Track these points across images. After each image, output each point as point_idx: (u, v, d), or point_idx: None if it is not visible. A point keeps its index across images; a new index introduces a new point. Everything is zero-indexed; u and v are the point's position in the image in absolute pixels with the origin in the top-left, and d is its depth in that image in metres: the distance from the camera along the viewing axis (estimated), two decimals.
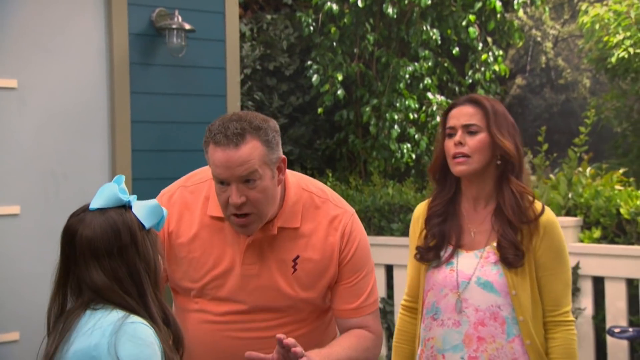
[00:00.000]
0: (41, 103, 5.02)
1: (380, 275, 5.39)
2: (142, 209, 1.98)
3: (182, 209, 2.42)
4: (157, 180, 5.35)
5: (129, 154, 5.24)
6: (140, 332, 1.88)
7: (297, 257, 2.37)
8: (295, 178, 2.44)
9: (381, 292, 5.44)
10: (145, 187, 5.10)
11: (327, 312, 2.50)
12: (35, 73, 5.00)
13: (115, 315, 1.91)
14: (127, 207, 1.99)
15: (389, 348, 5.41)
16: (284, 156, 2.32)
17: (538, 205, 2.55)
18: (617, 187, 5.29)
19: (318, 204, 2.42)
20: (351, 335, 2.41)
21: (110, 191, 1.98)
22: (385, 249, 5.39)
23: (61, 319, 1.95)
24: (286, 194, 2.38)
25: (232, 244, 2.37)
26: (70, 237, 1.95)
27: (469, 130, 2.51)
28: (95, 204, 1.97)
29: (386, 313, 5.40)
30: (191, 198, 2.42)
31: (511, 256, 2.48)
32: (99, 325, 1.90)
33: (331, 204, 2.43)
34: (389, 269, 5.48)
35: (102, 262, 1.92)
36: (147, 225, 1.98)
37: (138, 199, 2.03)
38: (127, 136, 5.25)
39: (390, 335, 5.43)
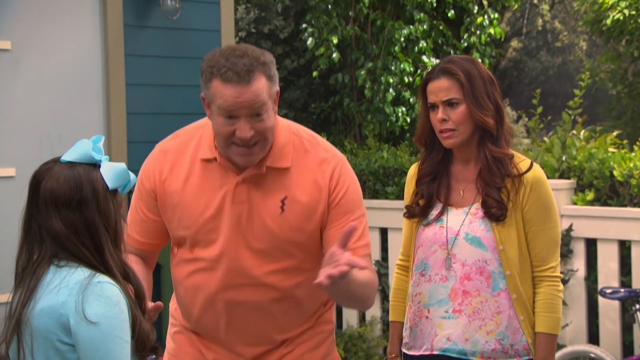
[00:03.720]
0: (35, 65, 5.01)
1: (374, 238, 5.42)
2: (109, 170, 2.03)
3: (174, 157, 2.46)
4: (152, 143, 5.32)
5: (124, 116, 5.24)
6: (107, 291, 1.93)
7: (285, 197, 2.39)
8: (286, 122, 2.47)
9: (375, 254, 5.48)
10: (140, 150, 5.10)
11: (320, 260, 2.51)
12: (28, 34, 4.98)
13: (81, 273, 1.95)
14: (97, 165, 2.03)
15: (384, 310, 5.47)
16: (278, 88, 2.38)
17: (526, 162, 2.60)
18: (611, 149, 5.31)
19: (307, 148, 2.44)
20: (364, 274, 2.34)
21: (83, 147, 2.03)
22: (379, 212, 5.41)
23: (27, 271, 2.00)
24: (276, 135, 2.40)
25: (222, 185, 2.40)
26: (36, 184, 2.01)
27: (449, 103, 2.55)
28: (67, 156, 2.03)
29: (381, 275, 5.44)
30: (183, 146, 2.47)
31: (494, 209, 2.54)
32: (65, 283, 1.94)
33: (321, 148, 2.46)
34: (384, 232, 5.51)
35: (61, 212, 1.98)
36: (110, 186, 2.02)
37: (133, 161, 2.07)
38: (121, 99, 5.25)
39: (385, 297, 5.48)
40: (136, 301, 2.02)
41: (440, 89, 2.56)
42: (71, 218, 1.97)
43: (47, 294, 1.94)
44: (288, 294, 2.42)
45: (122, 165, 2.06)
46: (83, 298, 1.91)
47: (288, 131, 2.44)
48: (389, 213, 5.35)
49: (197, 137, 2.46)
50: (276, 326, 2.43)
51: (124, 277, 2.02)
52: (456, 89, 2.55)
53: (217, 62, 2.26)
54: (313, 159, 2.43)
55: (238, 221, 2.38)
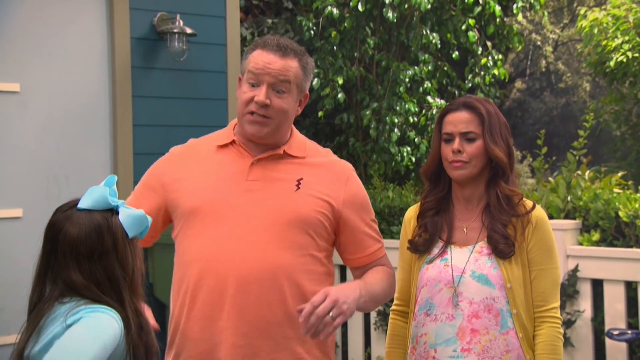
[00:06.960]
0: (43, 107, 5.05)
1: None
2: (128, 218, 2.00)
3: (185, 148, 2.60)
4: None
5: (131, 157, 5.27)
6: (100, 323, 1.89)
7: (302, 178, 2.51)
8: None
9: None
10: None
11: (321, 257, 2.54)
12: (37, 77, 5.03)
13: (82, 306, 1.93)
14: (114, 211, 2.00)
15: None
16: (307, 92, 2.57)
17: (529, 202, 2.62)
18: (616, 190, 5.31)
19: (322, 152, 2.64)
20: (380, 271, 2.62)
21: (100, 194, 1.99)
22: (386, 251, 5.40)
23: (35, 310, 1.98)
24: (293, 132, 2.60)
25: (238, 164, 2.51)
26: (55, 234, 1.98)
27: (466, 137, 2.57)
28: (83, 204, 1.99)
29: (386, 316, 5.42)
30: (196, 143, 2.63)
31: (502, 245, 2.54)
32: (63, 318, 1.92)
33: (333, 156, 2.65)
34: None
35: (82, 264, 1.95)
36: (130, 234, 1.99)
37: None
38: (128, 139, 5.29)
39: None
40: (144, 354, 1.98)
41: (461, 120, 2.58)
42: (92, 270, 1.95)
43: (48, 326, 1.94)
44: (294, 274, 2.44)
45: (141, 212, 2.03)
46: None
47: (303, 137, 2.63)
48: (395, 252, 5.32)
49: (212, 136, 2.62)
50: (283, 309, 2.42)
51: (139, 328, 1.99)
52: (476, 123, 2.57)
53: (265, 38, 2.50)
54: (327, 159, 2.60)
55: (252, 197, 2.45)
